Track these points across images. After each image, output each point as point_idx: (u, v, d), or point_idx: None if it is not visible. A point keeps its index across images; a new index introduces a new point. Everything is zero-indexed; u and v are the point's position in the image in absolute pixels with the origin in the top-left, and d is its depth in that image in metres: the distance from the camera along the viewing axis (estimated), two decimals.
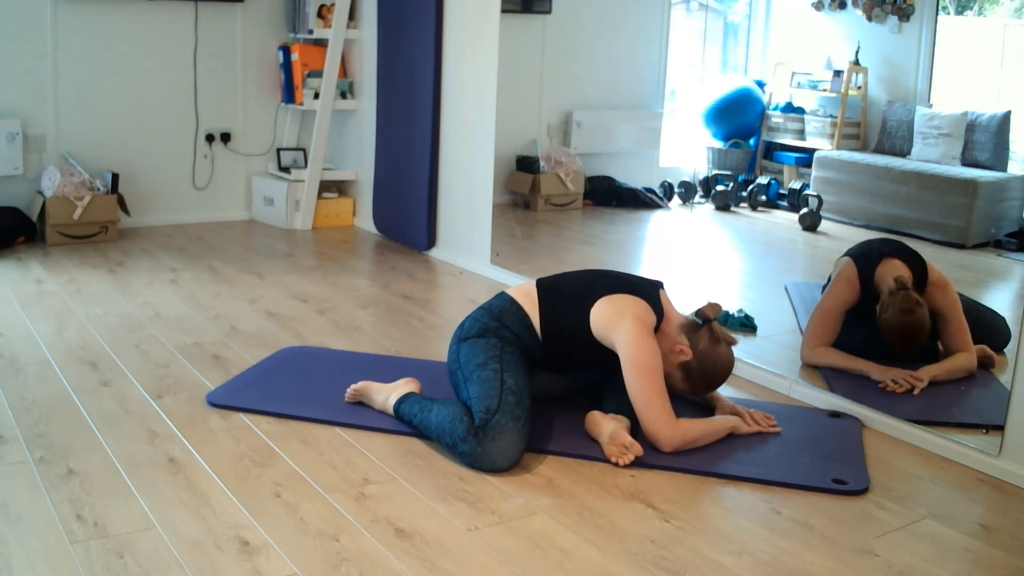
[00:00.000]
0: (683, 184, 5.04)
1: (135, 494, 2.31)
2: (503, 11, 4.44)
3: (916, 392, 3.04)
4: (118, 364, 3.20)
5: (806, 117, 4.33)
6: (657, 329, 2.73)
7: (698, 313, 2.78)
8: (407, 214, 5.05)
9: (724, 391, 3.10)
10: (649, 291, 2.77)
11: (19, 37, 4.84)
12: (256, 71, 5.55)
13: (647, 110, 5.25)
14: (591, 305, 2.73)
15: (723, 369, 2.76)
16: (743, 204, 4.62)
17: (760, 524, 2.30)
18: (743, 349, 3.47)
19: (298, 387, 3.01)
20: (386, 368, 3.19)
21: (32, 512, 2.20)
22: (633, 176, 5.26)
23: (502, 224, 4.80)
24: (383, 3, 5.08)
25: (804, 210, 4.21)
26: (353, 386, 2.89)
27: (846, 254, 3.34)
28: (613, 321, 2.68)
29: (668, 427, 2.59)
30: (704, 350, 2.72)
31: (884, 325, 3.15)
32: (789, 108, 4.42)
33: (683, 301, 2.96)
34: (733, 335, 2.81)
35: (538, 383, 2.87)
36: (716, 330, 2.75)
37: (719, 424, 2.73)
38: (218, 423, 2.75)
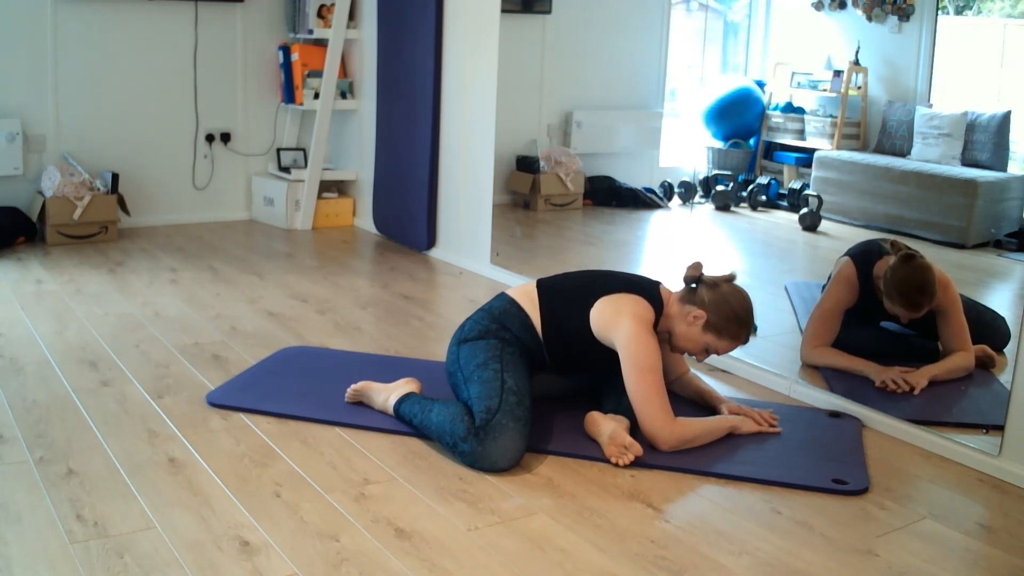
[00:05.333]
0: (683, 184, 5.04)
1: (135, 494, 2.31)
2: (503, 11, 4.44)
3: (916, 392, 3.04)
4: (118, 364, 3.20)
5: (806, 117, 4.33)
6: (658, 322, 2.74)
7: (686, 279, 2.78)
8: (407, 214, 5.05)
9: (724, 391, 3.11)
10: (649, 288, 2.77)
11: (19, 37, 4.84)
12: (256, 71, 5.56)
13: (647, 110, 5.25)
14: (591, 305, 2.73)
15: (740, 303, 2.71)
16: (743, 204, 4.63)
17: (760, 524, 2.30)
18: (743, 349, 3.47)
19: (298, 387, 3.01)
20: (386, 368, 3.19)
21: (32, 512, 2.20)
22: (633, 176, 5.26)
23: (502, 224, 4.80)
24: (383, 3, 5.08)
25: (804, 210, 4.21)
26: (353, 386, 2.89)
27: (845, 254, 3.34)
28: (612, 320, 2.68)
29: (666, 426, 2.59)
30: (711, 299, 2.70)
31: (895, 278, 3.10)
32: (789, 108, 4.43)
33: None
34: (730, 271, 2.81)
35: (538, 383, 2.87)
36: (708, 279, 2.74)
37: (718, 423, 2.73)
38: (218, 423, 2.75)
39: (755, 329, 2.76)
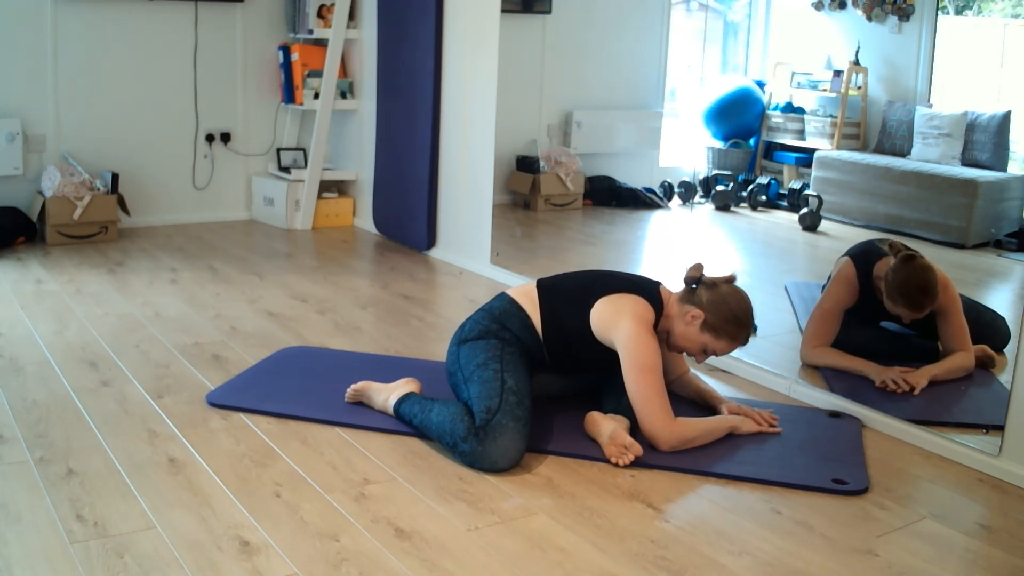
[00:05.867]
0: (683, 184, 5.04)
1: (135, 494, 2.31)
2: (503, 11, 4.44)
3: (916, 392, 3.04)
4: (118, 364, 3.20)
5: (806, 117, 4.33)
6: (658, 323, 2.74)
7: (686, 280, 2.77)
8: (407, 214, 5.05)
9: (724, 391, 3.10)
10: (649, 289, 2.78)
11: (19, 37, 4.84)
12: (256, 71, 5.56)
13: (647, 110, 5.25)
14: (591, 305, 2.73)
15: (739, 304, 2.70)
16: (743, 204, 4.63)
17: (760, 524, 2.30)
18: (743, 349, 3.47)
19: (298, 387, 3.01)
20: (386, 368, 3.19)
21: (32, 512, 2.20)
22: (633, 176, 5.26)
23: (502, 224, 4.80)
24: (383, 3, 5.08)
25: (804, 210, 4.21)
26: (353, 386, 2.89)
27: (845, 254, 3.34)
28: (612, 320, 2.68)
29: (666, 426, 2.59)
30: (710, 300, 2.70)
31: (897, 279, 3.09)
32: (789, 108, 4.43)
33: None
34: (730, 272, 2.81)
35: (538, 383, 2.87)
36: (708, 280, 2.74)
37: (718, 423, 2.73)
38: (218, 423, 2.75)
39: (755, 329, 2.76)
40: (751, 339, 2.76)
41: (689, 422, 2.65)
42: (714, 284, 2.73)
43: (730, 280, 2.76)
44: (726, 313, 2.69)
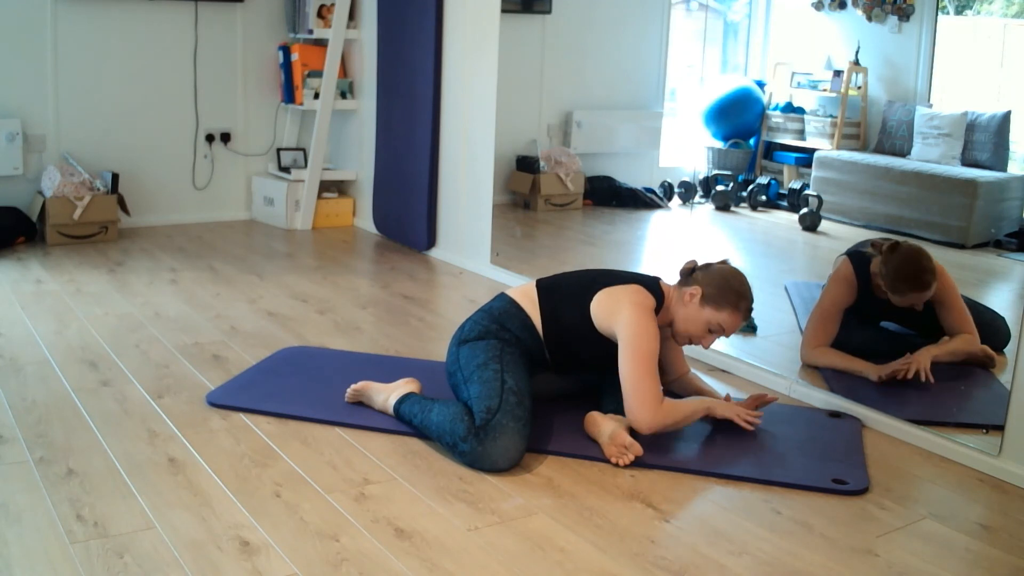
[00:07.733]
0: (683, 184, 5.04)
1: (135, 494, 2.31)
2: (503, 11, 4.44)
3: (923, 376, 3.02)
4: (118, 364, 3.20)
5: (806, 117, 4.33)
6: (659, 313, 2.76)
7: (681, 273, 2.83)
8: (407, 214, 5.05)
9: (724, 391, 3.10)
10: (649, 282, 2.80)
11: (19, 37, 4.84)
12: (256, 71, 5.56)
13: (647, 110, 5.25)
14: (591, 298, 2.74)
15: (734, 275, 2.76)
16: (743, 204, 4.62)
17: (760, 524, 2.30)
18: (743, 349, 3.47)
19: (298, 387, 3.01)
20: (386, 368, 3.19)
21: (32, 512, 2.20)
22: (633, 176, 5.26)
23: (502, 224, 4.80)
24: (383, 3, 5.08)
25: (804, 210, 4.21)
26: (353, 386, 2.89)
27: (844, 253, 3.34)
28: (613, 308, 2.69)
29: (652, 408, 2.58)
30: (705, 276, 2.75)
31: (892, 268, 3.11)
32: (789, 108, 4.42)
33: None
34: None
35: (538, 383, 2.87)
36: (702, 264, 2.81)
37: (696, 406, 2.72)
38: (218, 423, 2.75)
39: (755, 329, 2.77)
40: (751, 338, 2.77)
41: (674, 405, 2.65)
42: (708, 265, 2.81)
43: (723, 263, 2.81)
44: (722, 283, 2.73)
